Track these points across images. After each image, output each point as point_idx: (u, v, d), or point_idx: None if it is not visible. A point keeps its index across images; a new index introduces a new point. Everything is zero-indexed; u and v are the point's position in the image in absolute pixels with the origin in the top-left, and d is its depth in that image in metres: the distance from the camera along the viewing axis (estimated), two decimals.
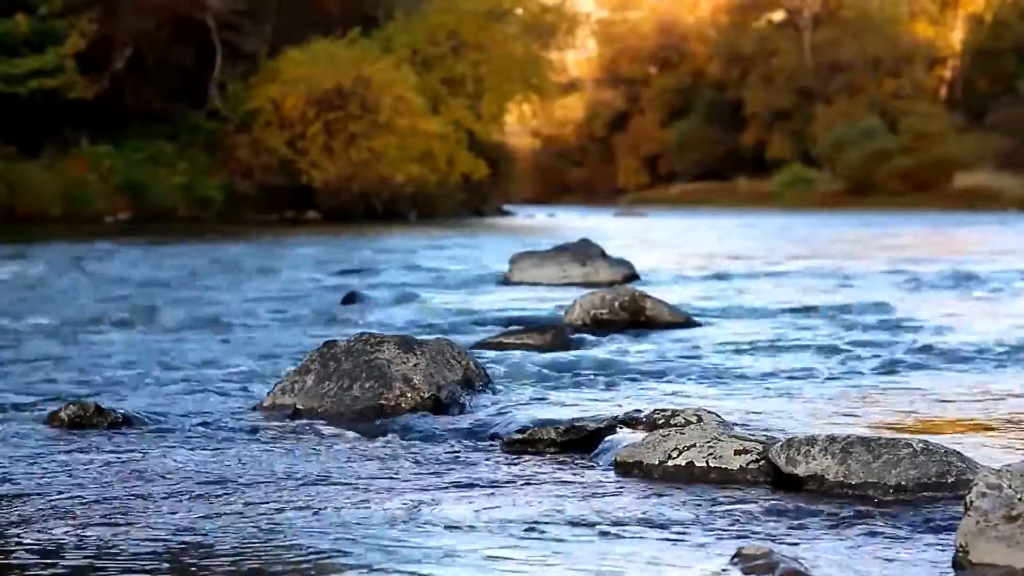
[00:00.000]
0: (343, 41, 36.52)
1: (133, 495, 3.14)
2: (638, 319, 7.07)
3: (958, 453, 3.16)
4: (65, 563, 2.58)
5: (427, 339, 4.56)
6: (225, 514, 2.95)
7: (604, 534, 2.78)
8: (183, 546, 2.69)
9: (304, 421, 4.14)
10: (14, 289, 10.11)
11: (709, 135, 64.96)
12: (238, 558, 2.61)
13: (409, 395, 4.24)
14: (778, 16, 66.18)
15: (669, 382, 5.01)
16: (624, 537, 2.76)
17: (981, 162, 52.94)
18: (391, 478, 3.33)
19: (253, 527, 2.83)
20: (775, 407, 4.38)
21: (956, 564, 2.49)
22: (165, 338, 6.67)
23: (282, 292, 9.99)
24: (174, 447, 3.73)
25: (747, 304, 8.54)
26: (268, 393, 4.42)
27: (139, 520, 2.89)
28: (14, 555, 2.63)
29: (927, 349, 5.99)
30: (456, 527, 2.83)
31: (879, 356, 5.75)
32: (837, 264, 13.73)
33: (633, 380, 5.04)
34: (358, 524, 2.86)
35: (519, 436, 3.74)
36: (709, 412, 3.78)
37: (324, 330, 6.97)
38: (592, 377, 5.08)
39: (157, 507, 3.01)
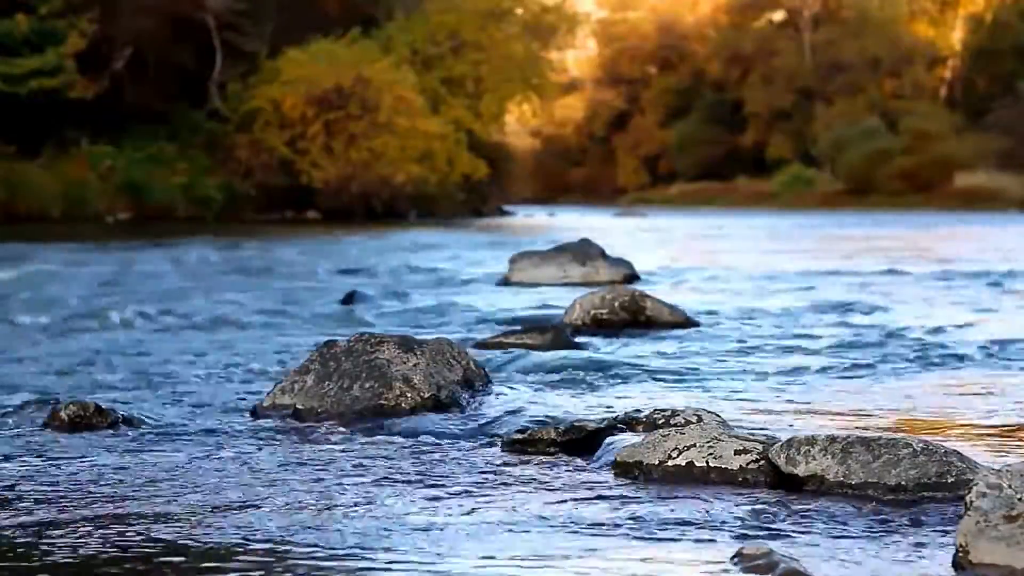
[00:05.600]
0: (343, 41, 36.51)
1: (133, 495, 3.13)
2: (638, 319, 7.08)
3: (958, 453, 3.16)
4: (65, 563, 2.58)
5: (427, 339, 4.55)
6: (225, 514, 2.95)
7: (604, 534, 2.78)
8: (183, 546, 2.69)
9: (304, 421, 4.14)
10: (14, 289, 10.10)
11: (709, 135, 64.92)
12: (238, 559, 2.61)
13: (409, 395, 4.24)
14: (778, 16, 66.17)
15: (669, 382, 5.01)
16: (624, 537, 2.76)
17: (981, 162, 52.91)
18: (391, 478, 3.33)
19: (253, 527, 2.83)
20: (775, 407, 4.38)
21: (956, 564, 2.49)
22: (165, 338, 6.67)
23: (282, 292, 9.99)
24: (174, 447, 3.73)
25: (747, 304, 8.54)
26: (268, 393, 4.42)
27: (139, 520, 2.89)
28: (14, 555, 2.63)
29: (927, 349, 5.99)
30: (456, 527, 2.83)
31: (879, 356, 5.75)
32: (837, 264, 13.73)
33: (633, 380, 5.04)
34: (358, 524, 2.86)
35: (519, 436, 3.74)
36: (709, 412, 3.78)
37: (324, 330, 6.97)
38: (592, 377, 5.08)
39: (157, 507, 3.01)
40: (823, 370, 5.34)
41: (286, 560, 2.59)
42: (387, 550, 2.66)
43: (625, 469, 3.37)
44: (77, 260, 13.99)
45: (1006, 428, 4.01)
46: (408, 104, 36.04)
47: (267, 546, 2.69)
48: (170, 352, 6.01)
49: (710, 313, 7.85)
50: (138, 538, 2.74)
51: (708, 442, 3.34)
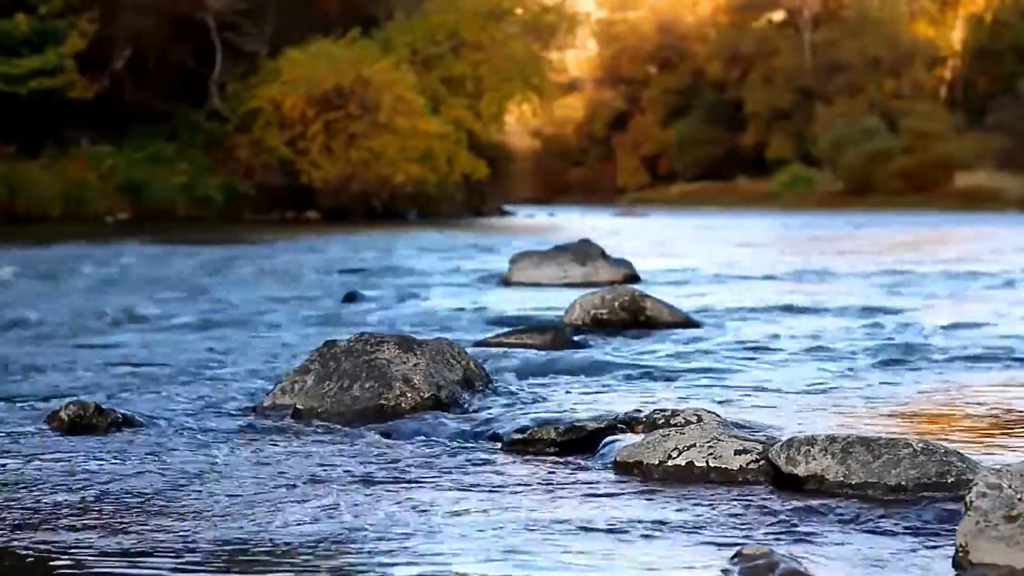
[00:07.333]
0: (343, 41, 36.52)
1: (133, 495, 3.14)
2: (638, 319, 7.07)
3: (958, 453, 3.16)
4: (65, 564, 2.57)
5: (427, 339, 4.55)
6: (225, 514, 2.95)
7: (604, 534, 2.78)
8: (183, 546, 2.69)
9: (304, 421, 4.14)
10: (14, 289, 10.10)
11: (709, 135, 64.93)
12: (238, 558, 2.61)
13: (409, 395, 4.24)
14: (778, 16, 66.19)
15: (669, 382, 5.01)
16: (624, 537, 2.76)
17: (981, 162, 52.94)
18: (391, 479, 3.33)
19: (253, 527, 2.83)
20: (775, 407, 4.38)
21: (956, 564, 2.49)
22: (165, 338, 6.67)
23: (282, 292, 9.99)
24: (174, 447, 3.73)
25: (747, 304, 8.54)
26: (268, 393, 4.42)
27: (139, 520, 2.89)
28: (14, 556, 2.63)
29: (927, 349, 5.99)
30: (456, 527, 2.83)
31: (879, 356, 5.74)
32: (837, 264, 13.73)
33: (633, 380, 5.04)
34: (358, 524, 2.86)
35: (519, 436, 3.74)
36: (709, 412, 3.78)
37: (324, 330, 6.97)
38: (592, 377, 5.07)
39: (157, 507, 3.01)
40: (823, 370, 5.34)
41: (286, 560, 2.59)
42: (387, 550, 2.66)
43: (625, 469, 3.37)
44: (77, 260, 13.98)
45: (1006, 428, 4.01)
46: (408, 104, 36.03)
47: (267, 546, 2.69)
48: (170, 352, 6.01)
49: (710, 313, 7.85)
50: (138, 538, 2.74)
51: (708, 442, 3.34)
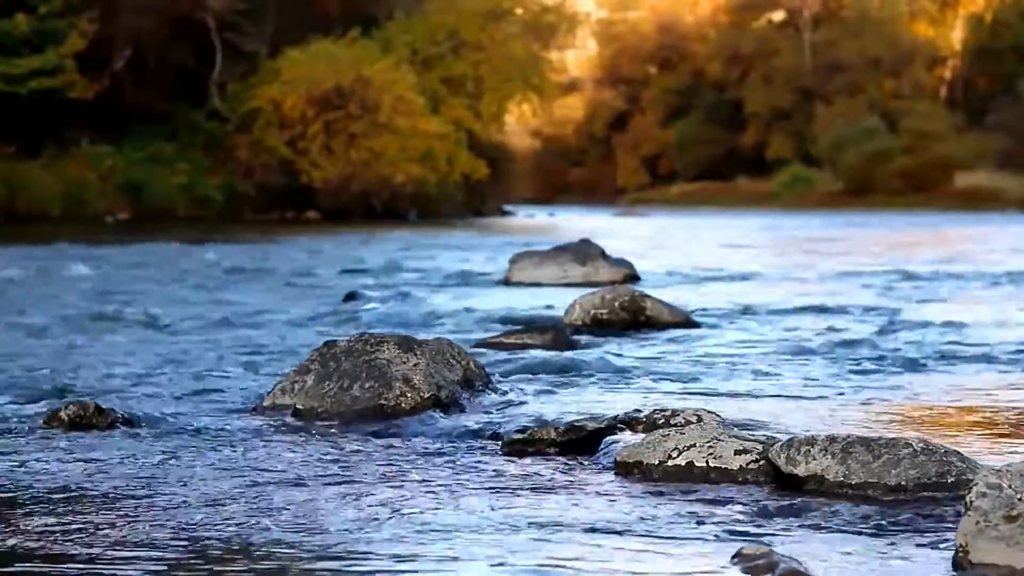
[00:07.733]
0: (343, 41, 36.53)
1: (133, 495, 3.13)
2: (638, 319, 7.07)
3: (958, 453, 3.16)
4: (65, 564, 2.57)
5: (427, 339, 4.55)
6: (225, 514, 2.95)
7: (604, 534, 2.78)
8: (183, 547, 2.69)
9: (304, 421, 4.14)
10: (14, 289, 10.10)
11: (709, 135, 64.92)
12: (238, 559, 2.61)
13: (409, 395, 4.24)
14: (778, 16, 66.18)
15: (669, 382, 5.01)
16: (624, 537, 2.76)
17: (981, 162, 52.95)
18: (391, 478, 3.33)
19: (253, 527, 2.83)
20: (775, 407, 4.37)
21: (956, 564, 2.49)
22: (165, 338, 6.67)
23: (282, 292, 9.99)
24: (174, 447, 3.73)
25: (747, 304, 8.54)
26: (268, 393, 4.42)
27: (139, 521, 2.89)
28: (14, 556, 2.63)
29: (927, 349, 5.99)
30: (456, 527, 2.83)
31: (879, 356, 5.74)
32: (837, 264, 13.73)
33: (633, 380, 5.04)
34: (358, 524, 2.86)
35: (519, 436, 3.74)
36: (709, 412, 3.78)
37: (324, 330, 6.97)
38: (592, 377, 5.08)
39: (157, 508, 3.01)
40: (824, 370, 5.34)
41: (286, 560, 2.59)
42: (386, 551, 2.66)
43: (625, 469, 3.37)
44: (77, 260, 13.98)
45: (1006, 428, 4.01)
46: (408, 104, 36.04)
47: (267, 546, 2.69)
48: (170, 352, 6.01)
49: (710, 313, 7.85)
50: (138, 539, 2.74)
51: (708, 442, 3.34)
